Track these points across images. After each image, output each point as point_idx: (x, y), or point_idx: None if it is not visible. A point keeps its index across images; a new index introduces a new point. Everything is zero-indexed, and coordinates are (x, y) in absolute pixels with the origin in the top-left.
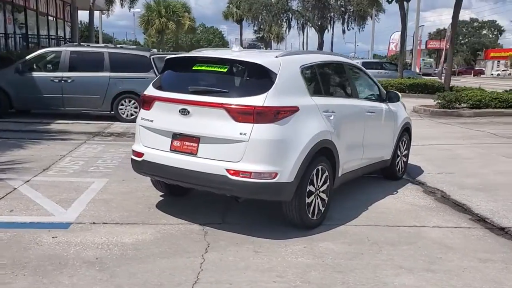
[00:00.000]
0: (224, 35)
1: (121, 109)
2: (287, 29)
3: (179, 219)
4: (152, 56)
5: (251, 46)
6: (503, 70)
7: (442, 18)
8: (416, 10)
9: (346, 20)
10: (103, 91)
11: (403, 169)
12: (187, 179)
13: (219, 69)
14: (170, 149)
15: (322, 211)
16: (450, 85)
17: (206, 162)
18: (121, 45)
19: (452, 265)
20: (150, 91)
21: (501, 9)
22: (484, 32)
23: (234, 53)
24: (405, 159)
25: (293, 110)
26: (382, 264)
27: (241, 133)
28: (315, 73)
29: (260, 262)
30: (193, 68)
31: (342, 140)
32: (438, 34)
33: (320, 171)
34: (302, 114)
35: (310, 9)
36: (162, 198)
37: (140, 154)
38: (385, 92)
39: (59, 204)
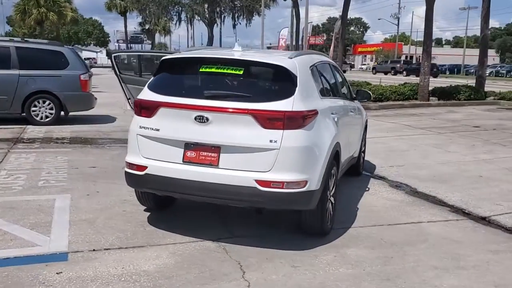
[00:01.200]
0: (104, 27)
1: (34, 111)
2: (178, 22)
3: (185, 237)
4: (114, 54)
5: (134, 38)
6: (367, 63)
7: (314, 16)
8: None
9: (234, 15)
10: (12, 91)
11: (363, 165)
12: (207, 192)
13: (234, 71)
14: (183, 161)
15: (331, 215)
16: None
17: (231, 173)
18: (26, 39)
19: (474, 260)
20: (149, 95)
21: (365, 8)
22: (352, 28)
23: (246, 53)
24: (363, 155)
25: (315, 113)
26: (417, 266)
27: (271, 141)
28: (317, 74)
29: (306, 278)
30: (201, 70)
31: (342, 141)
32: (313, 31)
33: (333, 175)
34: (320, 117)
35: (199, 2)
36: (149, 214)
37: (141, 168)
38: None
39: (35, 230)
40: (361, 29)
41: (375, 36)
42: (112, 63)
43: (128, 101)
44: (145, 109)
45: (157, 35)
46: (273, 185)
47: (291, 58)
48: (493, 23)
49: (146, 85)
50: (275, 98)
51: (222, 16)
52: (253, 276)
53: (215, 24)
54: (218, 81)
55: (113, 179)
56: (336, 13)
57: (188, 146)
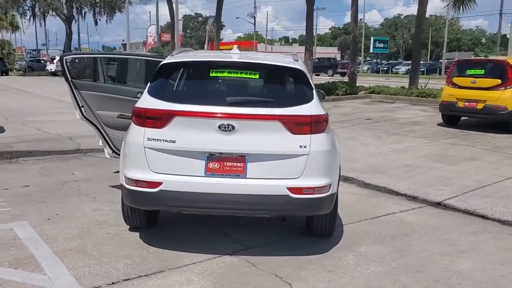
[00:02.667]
0: None
1: None
2: (32, 18)
3: (199, 254)
4: (66, 57)
5: None
6: None
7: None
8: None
9: (95, 11)
10: None
11: None
12: (234, 205)
13: (249, 76)
14: (206, 173)
15: None
16: None
17: (261, 182)
18: None
19: (467, 243)
20: (156, 103)
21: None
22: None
23: (256, 56)
24: None
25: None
26: (429, 256)
27: (301, 146)
28: None
29: (349, 282)
30: (212, 74)
31: None
32: (167, 28)
33: None
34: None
35: None
36: (138, 233)
37: (154, 184)
38: None
39: (21, 268)
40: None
41: (226, 35)
42: (62, 66)
43: (80, 109)
44: (154, 119)
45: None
46: (305, 191)
47: (297, 61)
48: (330, 23)
49: (146, 92)
50: (299, 102)
51: (83, 12)
52: (300, 285)
53: (73, 20)
54: (233, 86)
55: (62, 197)
56: (188, 11)
57: (211, 157)
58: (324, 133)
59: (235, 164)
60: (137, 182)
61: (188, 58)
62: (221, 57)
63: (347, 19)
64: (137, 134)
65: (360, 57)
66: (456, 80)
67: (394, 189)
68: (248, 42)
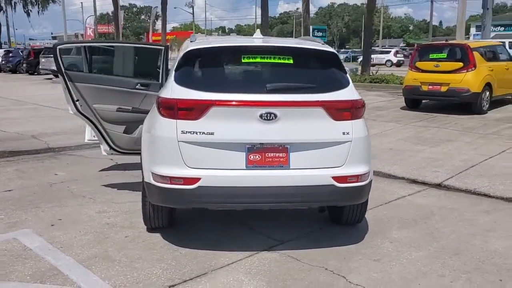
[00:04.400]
0: None
1: None
2: None
3: (235, 252)
4: (60, 47)
5: None
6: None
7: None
8: None
9: (27, 1)
10: None
11: None
12: (278, 198)
13: (283, 61)
14: (247, 166)
15: None
16: None
17: (305, 173)
18: None
19: (486, 223)
20: (189, 93)
21: None
22: (143, 17)
23: (284, 40)
24: None
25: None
26: (460, 237)
27: (344, 133)
28: None
29: (401, 270)
30: (244, 60)
31: None
32: (102, 19)
33: None
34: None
35: None
36: (159, 233)
37: (191, 180)
38: None
39: (50, 282)
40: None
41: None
42: (56, 57)
43: (75, 103)
44: (188, 110)
45: None
46: (349, 180)
47: (325, 44)
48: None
49: (173, 81)
50: (337, 87)
51: (12, 2)
52: (356, 278)
53: (1, 12)
54: (268, 72)
55: (56, 200)
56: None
57: (251, 148)
58: (362, 118)
59: (277, 154)
60: (171, 179)
61: (216, 43)
62: (250, 42)
63: (280, 9)
64: (168, 127)
65: None
66: (419, 64)
67: (390, 173)
68: (185, 32)
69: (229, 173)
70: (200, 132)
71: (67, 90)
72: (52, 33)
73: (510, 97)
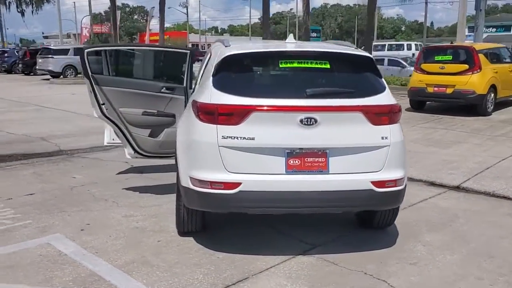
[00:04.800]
0: None
1: None
2: None
3: (269, 256)
4: (87, 50)
5: None
6: None
7: (96, 3)
8: None
9: (21, 1)
10: None
11: None
12: (316, 202)
13: (320, 65)
14: (287, 171)
15: None
16: None
17: (344, 178)
18: None
19: None
20: (229, 99)
21: None
22: (136, 17)
23: (322, 45)
24: None
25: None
26: (491, 239)
27: (382, 138)
28: None
29: (439, 273)
30: (282, 65)
31: None
32: (95, 19)
33: None
34: None
35: None
36: (192, 238)
37: (232, 185)
38: None
39: None
40: (144, 18)
41: (155, 25)
42: (83, 60)
43: (101, 107)
44: (229, 115)
45: None
46: (387, 184)
47: (357, 48)
48: (255, 13)
49: (211, 85)
50: (374, 92)
51: (7, 1)
52: (397, 282)
53: None
54: (306, 77)
55: (80, 204)
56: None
57: (291, 153)
58: (398, 123)
59: (316, 159)
60: (212, 184)
61: (254, 48)
62: (286, 47)
63: (273, 9)
64: (208, 132)
65: None
66: (425, 66)
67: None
68: (179, 32)
69: (269, 177)
70: (241, 137)
71: (93, 94)
72: (43, 33)
73: None
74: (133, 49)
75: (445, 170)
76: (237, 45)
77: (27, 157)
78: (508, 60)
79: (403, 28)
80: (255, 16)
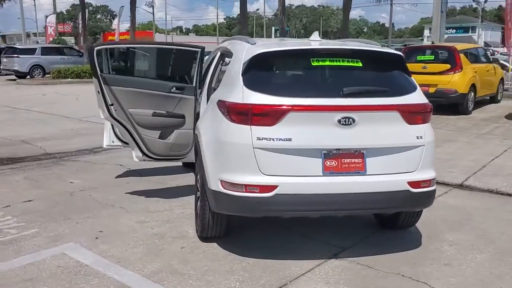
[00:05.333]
0: None
1: None
2: None
3: (301, 261)
4: (97, 48)
5: None
6: None
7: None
8: None
9: None
10: None
11: None
12: (354, 205)
13: (352, 63)
14: (324, 172)
15: None
16: None
17: (381, 179)
18: None
19: None
20: (263, 98)
21: None
22: (99, 16)
23: (352, 43)
24: None
25: None
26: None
27: (417, 137)
28: None
29: (474, 273)
30: (314, 63)
31: None
32: (58, 18)
33: None
34: None
35: None
36: (215, 243)
37: (268, 188)
38: None
39: None
40: (108, 17)
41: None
42: (92, 59)
43: (109, 108)
44: (264, 115)
45: None
46: (422, 185)
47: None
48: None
49: (242, 85)
50: (407, 91)
51: None
52: (437, 284)
53: None
54: (339, 76)
55: (86, 211)
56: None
57: (328, 154)
58: (430, 122)
59: (353, 160)
60: (246, 187)
61: (283, 46)
62: (317, 45)
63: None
64: (241, 133)
65: None
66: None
67: None
68: (145, 32)
69: (306, 180)
70: (277, 139)
71: (102, 94)
72: (0, 31)
73: (488, 97)
74: (144, 47)
75: (444, 169)
76: (264, 43)
77: (14, 161)
78: (484, 60)
79: (365, 30)
80: (220, 16)
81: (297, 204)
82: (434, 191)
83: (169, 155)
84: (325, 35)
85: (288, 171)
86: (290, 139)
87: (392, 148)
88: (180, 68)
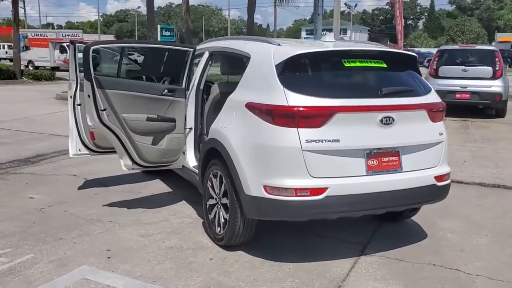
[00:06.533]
0: None
1: None
2: None
3: (334, 261)
4: (94, 47)
5: None
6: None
7: None
8: None
9: None
10: None
11: None
12: (392, 202)
13: (378, 64)
14: (367, 172)
15: None
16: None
17: (414, 175)
18: None
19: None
20: (308, 100)
21: None
22: None
23: (371, 45)
24: None
25: None
26: (491, 220)
27: (440, 134)
28: None
29: (494, 255)
30: (346, 65)
31: None
32: None
33: None
34: None
35: None
36: (241, 251)
37: (318, 191)
38: None
39: None
40: None
41: None
42: (86, 60)
43: (99, 113)
44: (311, 117)
45: None
46: (444, 178)
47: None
48: (92, 9)
49: (282, 87)
50: (427, 90)
51: None
52: (467, 269)
53: None
54: (370, 76)
55: (74, 229)
56: None
57: (370, 153)
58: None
59: (391, 158)
60: (297, 191)
61: (315, 47)
62: (348, 46)
63: (110, 7)
64: (289, 136)
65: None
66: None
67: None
68: (8, 28)
69: (353, 180)
70: (326, 140)
71: (93, 98)
72: None
73: None
74: (141, 47)
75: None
76: (288, 44)
77: None
78: None
79: (244, 29)
80: (93, 13)
81: (345, 205)
82: (450, 184)
83: (161, 162)
84: (208, 34)
85: (336, 173)
86: (338, 140)
87: (422, 145)
88: (171, 69)
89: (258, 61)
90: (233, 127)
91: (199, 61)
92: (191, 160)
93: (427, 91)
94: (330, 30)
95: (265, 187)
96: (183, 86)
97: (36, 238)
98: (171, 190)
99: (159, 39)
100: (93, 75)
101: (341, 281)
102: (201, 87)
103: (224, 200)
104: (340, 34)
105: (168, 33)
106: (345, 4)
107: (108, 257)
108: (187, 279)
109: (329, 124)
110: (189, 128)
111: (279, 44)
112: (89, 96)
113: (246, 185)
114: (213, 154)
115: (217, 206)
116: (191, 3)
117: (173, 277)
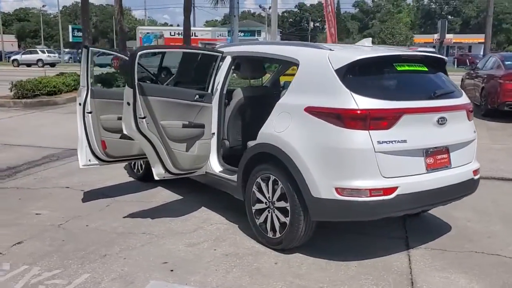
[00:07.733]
0: None
1: None
2: None
3: (389, 256)
4: (140, 52)
5: None
6: None
7: None
8: None
9: None
10: None
11: None
12: (445, 196)
13: (421, 68)
14: (427, 169)
15: None
16: None
17: (459, 170)
18: None
19: None
20: (377, 103)
21: None
22: None
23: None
24: None
25: None
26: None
27: (474, 131)
28: None
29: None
30: (398, 68)
31: None
32: None
33: None
34: None
35: None
36: (298, 252)
37: (389, 190)
38: None
39: None
40: None
41: None
42: (132, 65)
43: (137, 121)
44: (381, 120)
45: None
46: (478, 172)
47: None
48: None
49: (348, 91)
50: (461, 92)
51: None
52: (505, 253)
53: None
54: (417, 80)
55: (112, 243)
56: None
57: (427, 152)
58: None
59: (443, 156)
60: (371, 192)
61: (370, 53)
62: (397, 51)
63: (5, 5)
64: (362, 139)
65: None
66: None
67: None
68: None
69: (418, 178)
70: (395, 141)
71: (134, 106)
72: None
73: None
74: (182, 52)
75: None
76: (340, 49)
77: None
78: None
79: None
80: None
81: (412, 202)
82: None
83: (192, 169)
84: (117, 34)
85: (403, 172)
86: (405, 141)
87: (464, 143)
88: (202, 74)
89: (311, 66)
90: (292, 131)
91: (220, 65)
92: (215, 165)
93: (461, 92)
94: (244, 32)
95: (336, 189)
96: (209, 91)
97: (77, 256)
98: (181, 197)
99: (70, 39)
100: (136, 81)
101: (409, 274)
102: (224, 91)
103: (281, 204)
104: (255, 35)
105: (80, 34)
106: (260, 6)
107: (171, 270)
108: (268, 286)
109: (397, 125)
110: (212, 133)
111: (330, 49)
112: (128, 103)
113: (314, 187)
114: (262, 159)
115: (269, 210)
116: (99, 3)
117: (251, 284)
